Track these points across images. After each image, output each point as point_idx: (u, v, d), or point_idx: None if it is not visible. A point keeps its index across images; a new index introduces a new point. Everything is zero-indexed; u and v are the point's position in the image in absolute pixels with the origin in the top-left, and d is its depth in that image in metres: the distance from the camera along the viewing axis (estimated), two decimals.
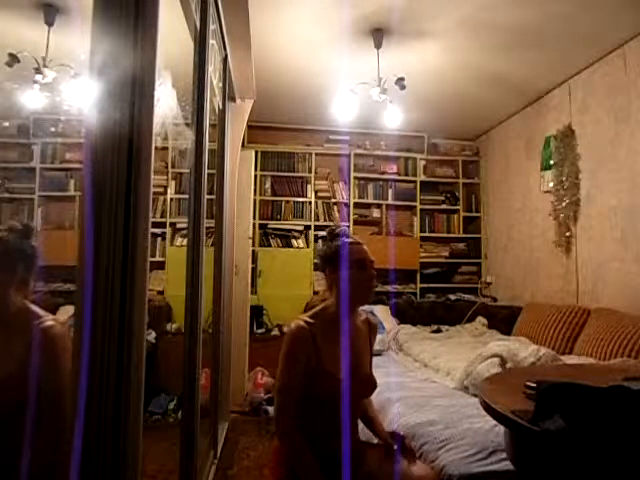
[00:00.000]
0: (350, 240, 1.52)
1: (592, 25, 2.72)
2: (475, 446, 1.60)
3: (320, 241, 4.57)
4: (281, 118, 4.59)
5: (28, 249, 1.29)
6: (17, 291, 1.27)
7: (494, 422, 1.35)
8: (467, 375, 2.29)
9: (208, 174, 1.88)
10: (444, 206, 4.96)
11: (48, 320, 1.24)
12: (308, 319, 1.48)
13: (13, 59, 2.41)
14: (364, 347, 1.59)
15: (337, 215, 4.71)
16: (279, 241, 4.58)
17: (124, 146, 0.87)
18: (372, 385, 1.57)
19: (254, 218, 4.30)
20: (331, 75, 3.46)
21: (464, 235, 4.95)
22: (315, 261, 4.56)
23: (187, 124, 1.87)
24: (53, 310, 3.34)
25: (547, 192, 3.67)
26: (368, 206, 4.81)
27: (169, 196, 4.17)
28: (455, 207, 4.96)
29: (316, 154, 4.71)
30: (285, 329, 1.52)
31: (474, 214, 4.98)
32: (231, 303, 3.05)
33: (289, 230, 4.59)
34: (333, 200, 4.74)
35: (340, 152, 4.75)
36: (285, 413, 1.40)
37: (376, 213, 4.81)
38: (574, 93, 3.42)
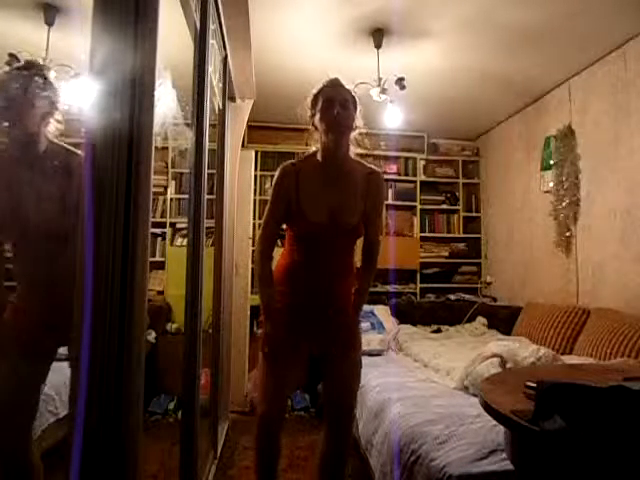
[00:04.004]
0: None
1: (592, 25, 2.72)
2: (475, 446, 1.60)
3: None
4: (281, 118, 4.57)
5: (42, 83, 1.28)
6: (45, 127, 1.27)
7: (494, 422, 1.35)
8: (467, 375, 2.29)
9: (208, 174, 1.88)
10: (444, 206, 4.95)
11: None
12: (295, 161, 1.66)
13: (13, 59, 2.40)
14: (352, 196, 1.66)
15: None
16: (279, 241, 4.56)
17: (124, 146, 0.87)
18: (354, 233, 1.68)
19: (254, 218, 4.28)
20: (331, 75, 3.45)
21: (464, 235, 4.95)
22: None
23: (187, 124, 1.87)
24: None
25: (547, 192, 3.66)
26: None
27: (169, 196, 4.17)
28: (455, 207, 4.96)
29: None
30: None
31: (474, 214, 4.97)
32: (231, 303, 3.05)
33: None
34: None
35: None
36: (261, 242, 1.67)
37: None
38: (574, 93, 3.42)
